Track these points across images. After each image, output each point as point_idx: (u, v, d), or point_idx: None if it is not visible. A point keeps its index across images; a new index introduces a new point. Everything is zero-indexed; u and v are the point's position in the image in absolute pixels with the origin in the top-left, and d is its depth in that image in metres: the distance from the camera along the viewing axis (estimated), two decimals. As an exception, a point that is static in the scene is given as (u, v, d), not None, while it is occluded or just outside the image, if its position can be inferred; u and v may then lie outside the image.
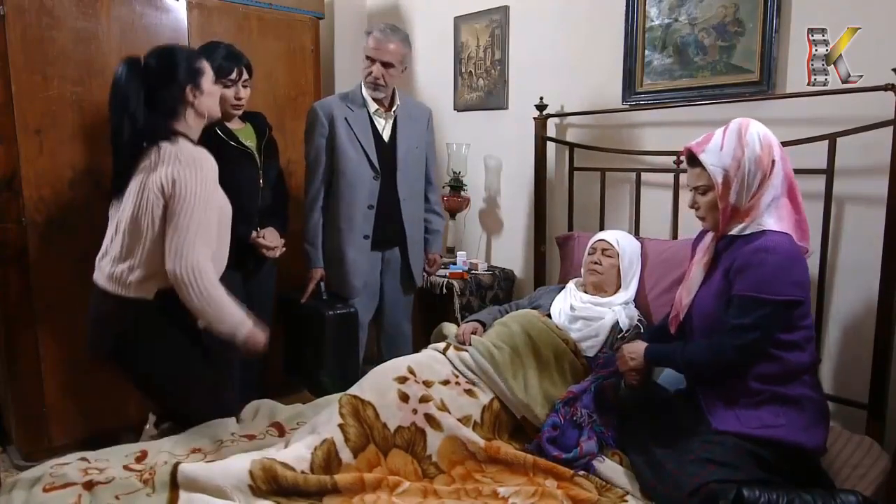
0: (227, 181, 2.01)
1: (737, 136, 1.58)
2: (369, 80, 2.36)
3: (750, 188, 1.58)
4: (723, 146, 1.59)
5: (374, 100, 2.41)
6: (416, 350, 2.12)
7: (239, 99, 2.20)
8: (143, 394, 1.94)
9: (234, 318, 1.72)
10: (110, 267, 1.75)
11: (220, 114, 1.91)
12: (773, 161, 1.57)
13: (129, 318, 1.75)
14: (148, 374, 1.82)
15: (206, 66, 1.83)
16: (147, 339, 1.77)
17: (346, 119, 2.38)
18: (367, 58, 2.35)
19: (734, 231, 1.62)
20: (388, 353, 2.57)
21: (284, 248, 2.34)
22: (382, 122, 2.45)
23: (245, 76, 2.21)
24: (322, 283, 2.49)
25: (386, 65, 2.33)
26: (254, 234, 2.15)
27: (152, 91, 1.73)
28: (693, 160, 1.64)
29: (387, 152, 2.43)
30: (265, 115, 2.41)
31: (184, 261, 1.63)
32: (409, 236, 2.51)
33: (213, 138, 2.14)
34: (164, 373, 1.81)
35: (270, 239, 2.22)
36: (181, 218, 1.65)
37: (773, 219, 1.58)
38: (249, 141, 2.27)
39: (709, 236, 1.74)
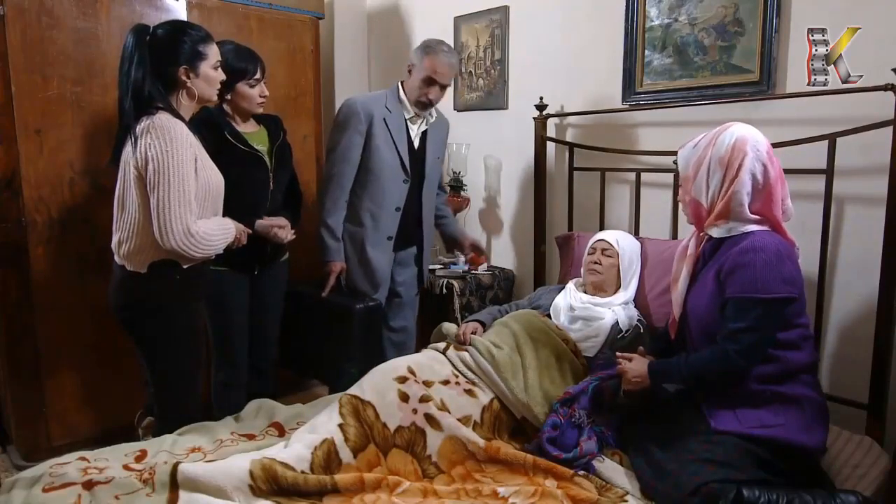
0: (237, 183, 2.06)
1: (713, 135, 1.64)
2: (424, 100, 2.38)
3: (710, 186, 1.62)
4: (697, 143, 1.67)
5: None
6: (417, 350, 2.12)
7: (264, 96, 2.22)
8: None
9: (226, 239, 1.88)
10: (113, 238, 1.84)
11: (215, 98, 1.93)
12: (740, 166, 1.57)
13: (129, 291, 1.83)
14: (143, 347, 1.90)
15: (211, 51, 1.84)
16: (143, 314, 1.84)
17: (384, 120, 2.40)
18: (430, 79, 2.34)
19: (716, 233, 1.64)
20: (394, 349, 2.59)
21: (294, 236, 2.31)
22: (415, 128, 2.48)
23: (264, 73, 2.22)
24: (342, 278, 2.49)
25: (444, 87, 2.38)
26: (264, 219, 2.20)
27: (153, 62, 1.76)
28: None
29: (417, 158, 2.48)
30: (280, 119, 2.41)
31: (174, 234, 1.71)
32: (425, 238, 2.59)
33: (223, 142, 2.15)
34: (153, 350, 1.88)
35: (280, 221, 2.24)
36: (160, 192, 1.70)
37: (753, 222, 1.59)
38: (261, 144, 2.26)
39: (688, 237, 1.78)
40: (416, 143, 2.48)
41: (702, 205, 1.66)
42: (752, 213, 1.59)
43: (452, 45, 3.17)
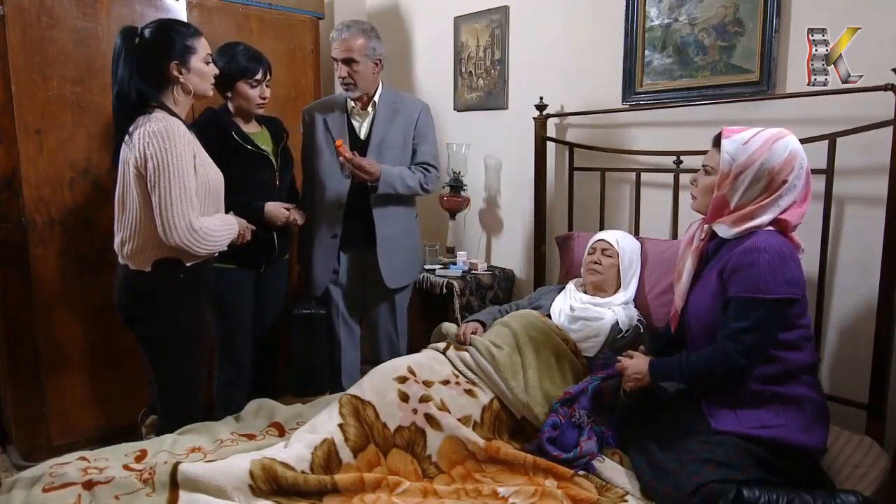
0: (244, 183, 2.10)
1: (767, 139, 1.57)
2: (339, 81, 2.37)
3: (748, 191, 1.58)
4: (748, 141, 1.58)
5: (353, 99, 2.41)
6: (415, 350, 2.12)
7: (264, 98, 2.25)
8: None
9: (229, 235, 1.90)
10: (115, 238, 1.84)
11: (210, 93, 1.93)
12: (785, 181, 1.55)
13: (133, 290, 1.83)
14: (146, 346, 1.90)
15: (200, 45, 1.85)
16: (147, 313, 1.84)
17: (324, 120, 2.41)
18: (333, 59, 2.35)
19: (724, 233, 1.62)
20: (375, 354, 2.55)
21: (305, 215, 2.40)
22: (360, 120, 2.44)
23: (268, 76, 2.25)
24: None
25: (348, 62, 2.30)
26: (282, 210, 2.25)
27: (142, 62, 1.76)
28: (718, 142, 1.64)
29: (360, 149, 2.39)
30: (281, 121, 2.44)
31: (177, 230, 1.72)
32: (378, 236, 2.40)
33: (230, 142, 2.17)
34: (156, 348, 1.88)
35: (288, 204, 2.30)
36: (162, 190, 1.70)
37: (767, 225, 1.58)
38: (266, 145, 2.29)
39: (694, 225, 1.76)
40: (364, 134, 2.43)
41: (728, 203, 1.61)
42: (772, 222, 1.58)
43: (452, 45, 3.18)
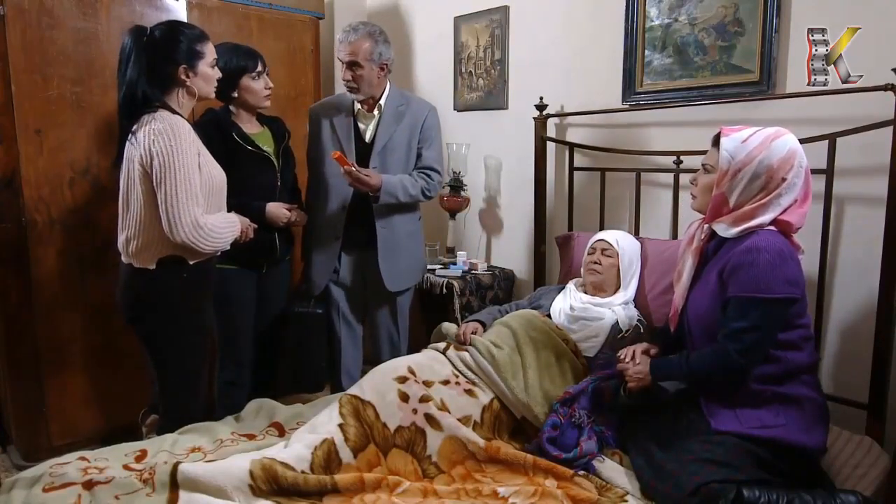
0: (245, 184, 2.10)
1: (766, 138, 1.57)
2: (343, 83, 2.36)
3: (747, 189, 1.58)
4: (747, 140, 1.59)
5: (359, 101, 2.39)
6: (415, 350, 2.12)
7: (269, 88, 2.26)
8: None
9: (233, 233, 1.91)
10: (119, 237, 1.84)
11: (213, 96, 1.95)
12: (784, 179, 1.55)
13: (137, 289, 1.83)
14: (149, 345, 1.90)
15: (208, 50, 1.86)
16: (151, 313, 1.84)
17: (330, 122, 2.40)
18: (339, 60, 2.35)
19: (724, 232, 1.62)
20: (376, 354, 2.55)
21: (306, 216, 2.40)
22: (366, 123, 2.42)
23: (266, 67, 2.26)
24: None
25: (352, 65, 2.29)
26: (283, 210, 2.25)
27: (150, 63, 1.77)
28: (717, 141, 1.64)
29: (365, 153, 2.39)
30: (283, 121, 2.44)
31: (182, 226, 1.73)
32: (380, 239, 2.39)
33: (231, 143, 2.17)
34: (159, 348, 1.88)
35: (288, 205, 2.30)
36: (167, 187, 1.71)
37: (767, 225, 1.58)
38: (267, 146, 2.30)
39: (694, 225, 1.76)
40: (369, 137, 2.41)
41: (728, 202, 1.61)
42: (774, 223, 1.58)
43: (452, 45, 3.18)
